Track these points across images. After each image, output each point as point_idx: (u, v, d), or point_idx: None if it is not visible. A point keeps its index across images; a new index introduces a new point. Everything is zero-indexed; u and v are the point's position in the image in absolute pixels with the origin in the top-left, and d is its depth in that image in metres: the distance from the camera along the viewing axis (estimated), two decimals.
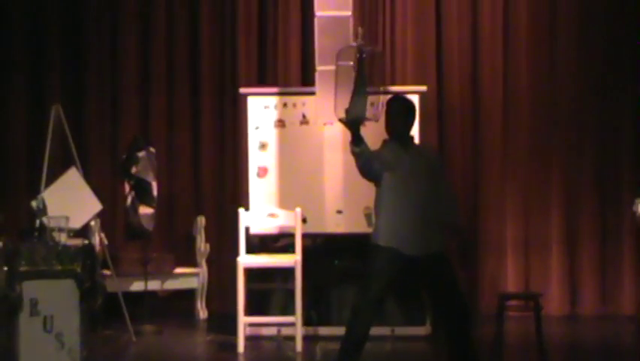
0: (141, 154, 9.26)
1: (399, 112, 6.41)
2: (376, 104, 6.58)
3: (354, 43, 6.81)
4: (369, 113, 6.35)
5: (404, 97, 6.68)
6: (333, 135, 8.64)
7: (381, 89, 6.90)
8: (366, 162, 6.23)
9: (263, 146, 8.76)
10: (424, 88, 8.91)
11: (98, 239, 9.17)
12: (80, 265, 6.63)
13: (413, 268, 6.32)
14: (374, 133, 6.31)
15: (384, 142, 6.47)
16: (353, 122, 6.18)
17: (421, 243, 6.28)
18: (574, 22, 10.13)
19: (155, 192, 9.33)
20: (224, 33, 10.37)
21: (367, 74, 6.56)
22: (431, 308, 8.44)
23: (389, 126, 6.42)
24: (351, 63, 6.80)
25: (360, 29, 6.80)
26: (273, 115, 8.77)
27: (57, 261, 6.60)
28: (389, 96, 6.67)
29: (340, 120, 6.31)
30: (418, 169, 6.35)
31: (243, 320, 8.14)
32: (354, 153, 6.19)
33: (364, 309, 6.29)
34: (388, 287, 6.37)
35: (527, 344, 8.04)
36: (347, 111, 6.21)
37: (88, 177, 8.88)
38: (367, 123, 6.35)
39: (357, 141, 6.16)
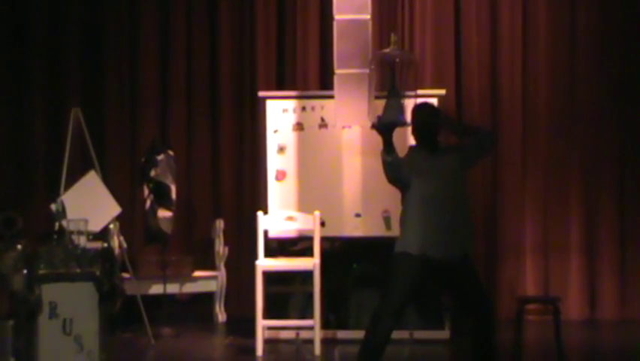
0: (160, 157, 9.29)
1: (425, 119, 6.42)
2: (406, 110, 6.58)
3: (387, 50, 6.81)
4: (400, 119, 6.37)
5: (430, 104, 6.72)
6: (352, 139, 8.64)
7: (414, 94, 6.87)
8: (396, 171, 6.23)
9: (281, 149, 8.76)
10: (442, 91, 8.90)
11: (117, 242, 9.19)
12: (99, 268, 6.65)
13: (438, 272, 6.30)
14: (398, 140, 6.28)
15: (411, 148, 6.51)
16: (385, 128, 6.18)
17: (449, 246, 6.25)
18: (594, 27, 10.07)
19: (174, 196, 9.36)
20: (244, 36, 10.37)
21: (400, 80, 6.57)
22: (453, 310, 8.41)
23: (416, 133, 6.45)
24: (372, 67, 6.83)
25: (393, 36, 6.78)
26: (292, 118, 8.76)
27: (76, 264, 6.63)
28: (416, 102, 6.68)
29: (373, 126, 6.31)
30: (446, 172, 6.33)
31: (261, 323, 8.14)
32: (385, 162, 6.18)
33: (384, 318, 6.23)
34: (411, 295, 6.33)
35: (546, 348, 8.01)
36: (379, 117, 6.25)
37: (107, 180, 8.90)
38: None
39: (388, 148, 6.15)
